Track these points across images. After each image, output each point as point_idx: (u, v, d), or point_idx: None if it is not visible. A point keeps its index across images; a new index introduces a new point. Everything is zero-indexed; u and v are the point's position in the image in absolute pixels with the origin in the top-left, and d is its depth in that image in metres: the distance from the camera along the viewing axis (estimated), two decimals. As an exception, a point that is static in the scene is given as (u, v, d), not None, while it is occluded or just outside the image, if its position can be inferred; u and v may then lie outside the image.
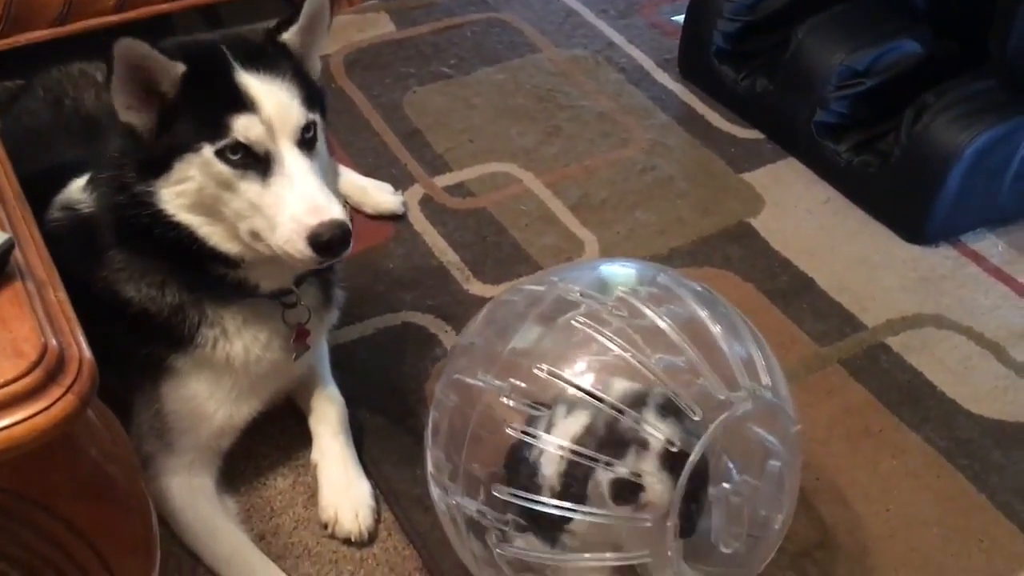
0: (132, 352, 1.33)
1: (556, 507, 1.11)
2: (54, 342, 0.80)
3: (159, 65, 1.18)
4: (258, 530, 1.41)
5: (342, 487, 1.43)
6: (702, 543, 1.13)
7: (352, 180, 1.95)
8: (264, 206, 1.21)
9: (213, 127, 1.20)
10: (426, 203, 2.00)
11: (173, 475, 1.37)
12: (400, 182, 2.03)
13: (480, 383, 1.17)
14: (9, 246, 0.86)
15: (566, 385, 1.14)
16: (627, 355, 1.12)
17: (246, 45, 1.27)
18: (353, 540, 1.39)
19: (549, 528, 1.14)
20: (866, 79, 2.03)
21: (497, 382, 1.16)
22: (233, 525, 1.37)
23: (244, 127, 1.20)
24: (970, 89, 1.94)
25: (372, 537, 1.40)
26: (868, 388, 1.67)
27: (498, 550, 1.15)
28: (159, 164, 1.22)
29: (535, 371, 1.14)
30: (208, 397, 1.36)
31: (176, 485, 1.37)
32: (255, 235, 1.24)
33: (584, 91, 2.34)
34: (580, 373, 1.14)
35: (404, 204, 1.98)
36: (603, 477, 1.11)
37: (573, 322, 1.17)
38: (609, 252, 1.91)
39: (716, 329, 1.17)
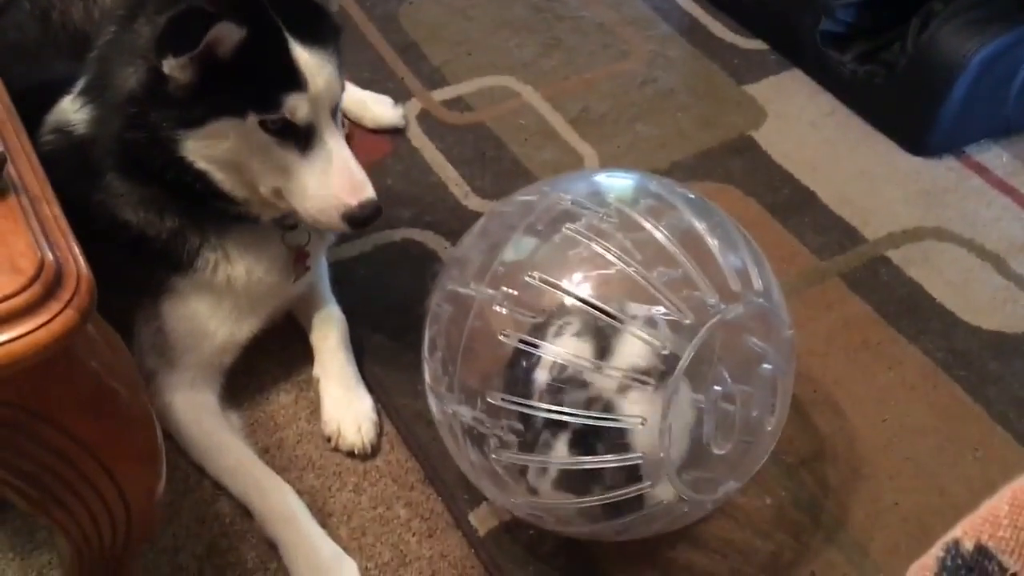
0: (131, 272, 1.32)
1: (548, 411, 1.12)
2: (51, 257, 0.79)
3: (226, 32, 1.13)
4: (262, 444, 1.43)
5: (344, 402, 1.44)
6: (695, 447, 1.15)
7: (351, 93, 1.92)
8: (301, 176, 1.23)
9: (263, 100, 1.19)
10: (424, 118, 1.98)
11: (176, 391, 1.38)
12: (397, 96, 1.99)
13: (472, 292, 1.17)
14: (2, 161, 0.85)
15: (559, 292, 1.13)
16: (619, 263, 1.12)
17: (296, 10, 1.21)
18: (356, 453, 1.41)
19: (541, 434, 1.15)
20: (872, -14, 1.99)
21: (489, 291, 1.16)
22: (237, 439, 1.39)
23: (294, 106, 1.20)
24: (978, -4, 1.90)
25: (375, 450, 1.42)
26: (867, 301, 1.68)
27: (494, 456, 1.16)
28: (193, 118, 1.19)
29: (527, 279, 1.14)
30: (209, 316, 1.37)
31: (179, 400, 1.38)
32: (278, 193, 1.26)
33: (584, 1, 2.29)
34: (574, 282, 1.14)
35: (404, 117, 1.95)
36: (598, 382, 1.12)
37: (565, 230, 1.16)
38: (609, 166, 1.89)
39: (710, 239, 1.17)
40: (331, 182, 1.23)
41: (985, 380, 1.56)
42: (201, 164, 1.23)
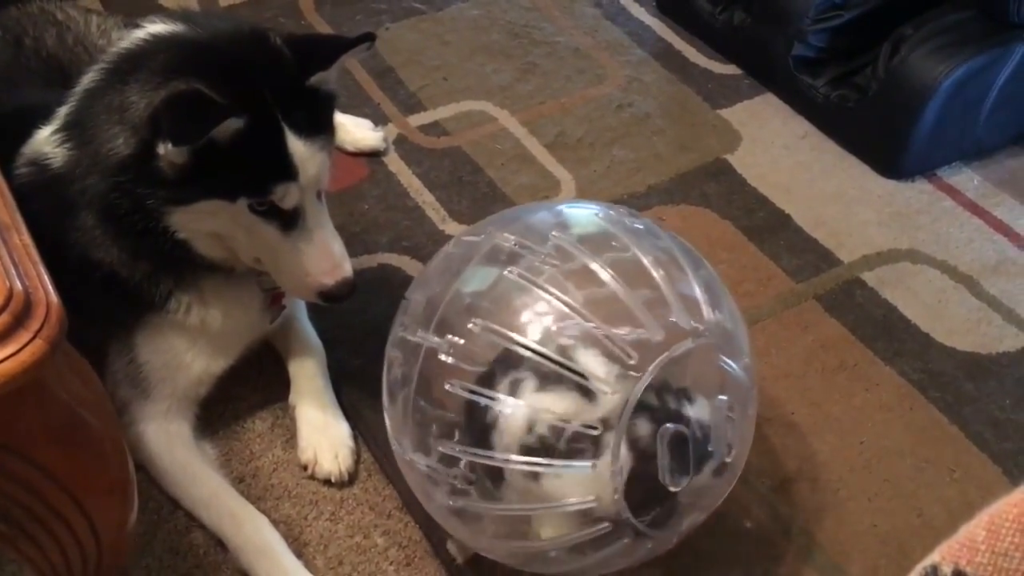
0: (104, 305, 1.31)
1: (503, 460, 1.11)
2: (20, 286, 0.78)
3: (231, 126, 1.13)
4: (237, 472, 1.41)
5: (321, 429, 1.43)
6: (652, 484, 1.13)
7: (330, 117, 1.92)
8: (282, 253, 1.25)
9: (254, 186, 1.19)
10: (400, 143, 1.98)
11: (149, 422, 1.36)
12: (374, 121, 1.99)
13: (420, 340, 1.17)
14: (-30, 189, 0.84)
15: (505, 341, 1.12)
16: (562, 306, 1.12)
17: (294, 98, 1.21)
18: (333, 481, 1.40)
19: (498, 480, 1.15)
20: (844, 11, 2.01)
21: (435, 339, 1.15)
22: (211, 470, 1.37)
23: (283, 193, 1.21)
24: (948, 21, 1.92)
25: (352, 477, 1.41)
26: (843, 323, 1.68)
27: (448, 502, 1.16)
28: (182, 197, 1.19)
29: (470, 327, 1.13)
30: (185, 351, 1.36)
31: (152, 432, 1.36)
32: (257, 262, 1.28)
33: (559, 26, 2.30)
34: (519, 326, 1.13)
35: (385, 140, 1.95)
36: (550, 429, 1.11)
37: (506, 273, 1.15)
38: (586, 190, 1.90)
39: (655, 271, 1.16)
40: (310, 263, 1.26)
41: (961, 401, 1.57)
42: (183, 235, 1.23)
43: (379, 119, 2.01)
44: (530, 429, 1.11)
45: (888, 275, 1.78)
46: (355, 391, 1.51)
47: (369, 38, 1.28)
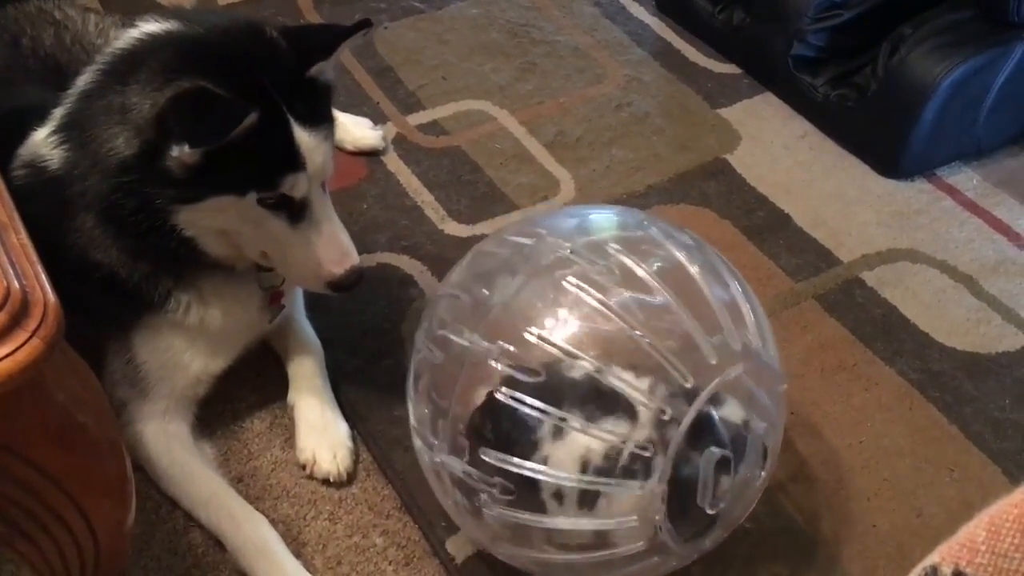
0: (102, 305, 1.31)
1: (547, 474, 1.09)
2: (17, 285, 0.78)
3: (249, 123, 1.13)
4: (236, 472, 1.41)
5: (320, 429, 1.43)
6: (686, 504, 1.12)
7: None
8: (290, 245, 1.26)
9: (264, 179, 1.20)
10: (400, 142, 1.97)
11: (148, 422, 1.36)
12: (373, 121, 1.99)
13: (466, 343, 1.14)
14: (-33, 188, 0.84)
15: (561, 354, 1.10)
16: (620, 322, 1.09)
17: (296, 89, 1.21)
18: (332, 481, 1.39)
19: (534, 492, 1.12)
20: (844, 11, 2.01)
21: (485, 344, 1.12)
22: (210, 470, 1.37)
23: (292, 184, 1.21)
24: (947, 20, 1.92)
25: (351, 477, 1.40)
26: (843, 323, 1.68)
27: (485, 509, 1.13)
28: (192, 195, 1.19)
29: (526, 335, 1.10)
30: (183, 350, 1.36)
31: (151, 432, 1.36)
32: (264, 256, 1.29)
33: (559, 26, 2.30)
34: (575, 338, 1.10)
35: (384, 139, 1.95)
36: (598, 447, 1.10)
37: (564, 284, 1.13)
38: (585, 190, 1.90)
39: (708, 290, 1.14)
40: (318, 253, 1.27)
41: (960, 400, 1.57)
42: (190, 232, 1.23)
43: (378, 118, 2.01)
44: (585, 448, 1.09)
45: (887, 275, 1.78)
46: (354, 391, 1.51)
47: (366, 25, 1.27)
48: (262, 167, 1.19)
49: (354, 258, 1.29)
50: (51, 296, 0.80)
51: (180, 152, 1.13)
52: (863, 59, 2.01)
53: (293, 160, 1.20)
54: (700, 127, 2.07)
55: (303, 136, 1.20)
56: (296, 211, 1.24)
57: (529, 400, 1.09)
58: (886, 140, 1.96)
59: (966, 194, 1.95)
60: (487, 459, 1.10)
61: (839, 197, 1.93)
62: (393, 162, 1.92)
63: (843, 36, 2.03)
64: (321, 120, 1.24)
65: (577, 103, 2.10)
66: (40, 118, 1.30)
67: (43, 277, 0.82)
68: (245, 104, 1.13)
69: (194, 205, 1.20)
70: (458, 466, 1.14)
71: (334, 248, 1.28)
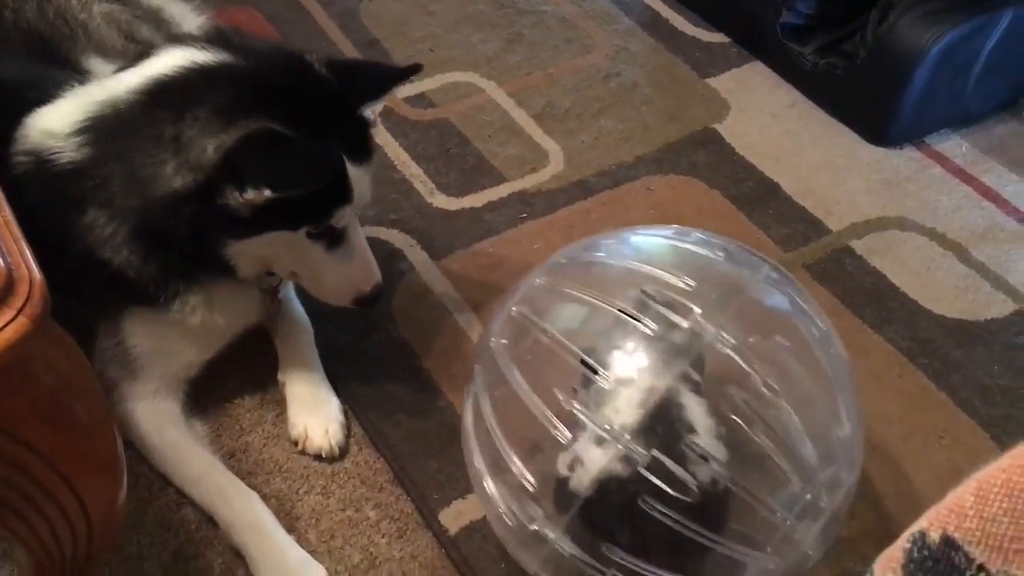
0: (98, 294, 1.30)
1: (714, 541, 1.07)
2: (1, 263, 0.77)
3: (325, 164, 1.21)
4: (227, 448, 1.41)
5: (311, 404, 1.43)
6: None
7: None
8: (324, 267, 1.31)
9: (318, 214, 1.25)
10: (387, 115, 1.96)
11: (139, 401, 1.36)
12: (359, 94, 1.97)
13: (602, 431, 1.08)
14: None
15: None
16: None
17: (348, 126, 1.27)
18: (324, 456, 1.39)
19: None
20: (832, -23, 2.00)
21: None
22: (201, 447, 1.36)
23: (340, 216, 1.26)
24: (936, -14, 1.91)
25: (343, 452, 1.40)
26: (832, 292, 1.69)
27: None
28: (248, 231, 1.21)
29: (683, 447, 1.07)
30: (177, 340, 1.36)
31: (141, 410, 1.35)
32: (294, 275, 1.35)
33: (546, -4, 2.28)
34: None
35: (372, 112, 1.93)
36: None
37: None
38: (574, 161, 1.89)
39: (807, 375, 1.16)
40: (351, 273, 1.33)
41: (949, 368, 1.58)
42: (234, 260, 1.26)
43: (365, 91, 2.00)
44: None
45: (877, 243, 1.78)
46: (344, 366, 1.51)
47: (417, 69, 1.36)
48: (318, 203, 1.23)
49: (378, 275, 1.35)
50: (36, 274, 0.79)
51: (255, 195, 1.16)
52: (852, 27, 2.00)
53: (345, 195, 1.25)
54: (689, 97, 2.06)
55: (354, 172, 1.25)
56: (335, 238, 1.29)
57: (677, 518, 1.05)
58: (875, 108, 1.95)
59: (955, 161, 1.95)
60: (614, 558, 1.07)
61: (828, 166, 1.93)
62: (381, 135, 1.91)
63: (831, 4, 2.03)
64: (369, 155, 1.29)
65: (565, 74, 2.09)
66: (38, 94, 1.28)
67: (28, 255, 0.81)
68: (322, 147, 1.20)
69: (247, 240, 1.23)
70: (569, 548, 1.09)
71: (365, 269, 1.34)
